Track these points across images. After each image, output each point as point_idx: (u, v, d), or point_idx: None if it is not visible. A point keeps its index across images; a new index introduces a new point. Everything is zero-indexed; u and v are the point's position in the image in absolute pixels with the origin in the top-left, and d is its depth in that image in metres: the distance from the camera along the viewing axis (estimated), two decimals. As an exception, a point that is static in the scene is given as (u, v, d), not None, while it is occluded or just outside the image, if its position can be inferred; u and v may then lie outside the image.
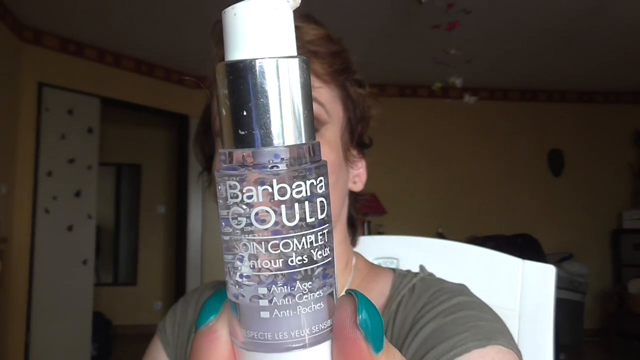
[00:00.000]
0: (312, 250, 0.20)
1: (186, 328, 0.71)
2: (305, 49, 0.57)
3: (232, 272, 0.20)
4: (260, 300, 0.20)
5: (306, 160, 0.20)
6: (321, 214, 0.20)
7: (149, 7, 3.50)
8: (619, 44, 4.16)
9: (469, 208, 5.20)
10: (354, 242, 0.71)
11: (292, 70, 0.20)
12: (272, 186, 0.19)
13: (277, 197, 0.19)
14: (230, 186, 0.20)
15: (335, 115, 0.60)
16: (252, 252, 0.20)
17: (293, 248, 0.19)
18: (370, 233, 4.21)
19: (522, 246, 4.47)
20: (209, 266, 4.92)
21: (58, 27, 3.82)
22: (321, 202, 0.20)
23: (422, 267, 0.66)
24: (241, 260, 0.20)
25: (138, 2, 3.43)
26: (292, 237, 0.19)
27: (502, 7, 3.49)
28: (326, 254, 0.20)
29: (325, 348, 0.20)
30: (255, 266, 0.20)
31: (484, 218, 5.17)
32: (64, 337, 3.89)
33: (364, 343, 0.19)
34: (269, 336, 0.20)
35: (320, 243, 0.20)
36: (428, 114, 5.24)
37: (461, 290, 0.58)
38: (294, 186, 0.19)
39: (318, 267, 0.20)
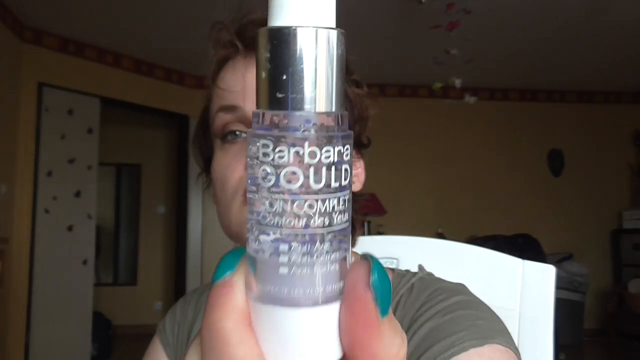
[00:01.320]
0: (333, 214, 0.21)
1: (186, 328, 0.71)
2: None
3: (254, 229, 0.21)
4: (280, 257, 0.20)
5: (335, 128, 0.21)
6: (344, 180, 0.21)
7: (149, 7, 3.50)
8: (619, 44, 4.16)
9: (469, 208, 5.20)
10: (353, 243, 0.71)
11: (330, 41, 0.21)
12: (303, 148, 0.20)
13: (307, 159, 0.20)
14: (262, 145, 0.21)
15: None
16: (278, 210, 0.20)
17: (316, 210, 0.20)
18: (370, 233, 4.21)
19: (522, 246, 4.47)
20: (209, 266, 4.92)
21: (58, 27, 3.83)
22: (345, 169, 0.21)
23: (420, 267, 0.66)
24: (265, 217, 0.21)
25: (138, 2, 3.43)
26: (317, 199, 0.20)
27: (502, 7, 3.49)
28: (345, 219, 0.21)
29: (335, 307, 0.21)
30: (279, 224, 0.20)
31: (484, 218, 5.17)
32: (64, 337, 3.89)
33: (373, 303, 0.20)
34: (285, 291, 0.20)
35: (341, 208, 0.21)
36: (428, 114, 5.24)
37: (459, 289, 0.58)
38: (323, 151, 0.20)
39: (337, 230, 0.21)
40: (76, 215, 4.05)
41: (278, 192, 0.20)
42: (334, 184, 0.21)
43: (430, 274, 0.65)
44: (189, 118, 4.84)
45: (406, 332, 0.54)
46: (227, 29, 0.62)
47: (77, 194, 4.07)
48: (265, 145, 0.21)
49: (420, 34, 3.72)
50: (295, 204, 0.20)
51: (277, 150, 0.20)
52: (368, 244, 0.89)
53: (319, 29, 0.21)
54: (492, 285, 0.79)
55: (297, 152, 0.20)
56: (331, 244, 0.21)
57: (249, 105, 0.58)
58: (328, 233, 0.21)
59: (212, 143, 0.64)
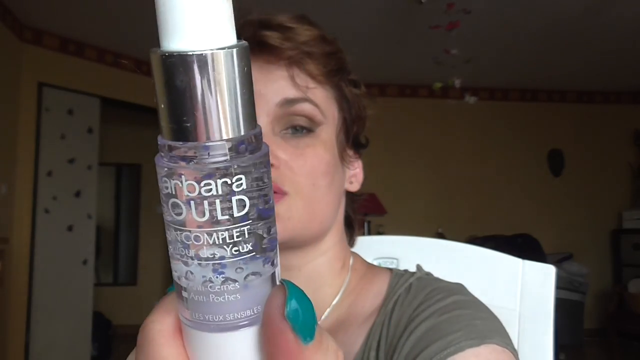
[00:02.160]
0: (233, 245, 0.20)
1: None
2: (299, 50, 0.57)
3: (173, 257, 0.22)
4: (203, 285, 0.21)
5: (245, 152, 0.20)
6: (262, 204, 0.21)
7: (149, 7, 3.49)
8: (619, 44, 4.16)
9: (469, 208, 5.20)
10: (351, 243, 0.71)
11: (234, 61, 0.20)
12: (214, 180, 0.20)
13: (218, 190, 0.20)
14: (170, 178, 0.20)
15: (330, 116, 0.60)
16: (191, 243, 0.20)
17: (233, 239, 0.20)
18: (370, 233, 4.21)
19: (522, 246, 4.47)
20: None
21: (58, 27, 3.83)
22: (262, 194, 0.21)
23: (419, 267, 0.66)
24: (175, 248, 0.21)
25: (138, 2, 3.43)
26: (216, 230, 0.20)
27: (502, 7, 3.49)
28: (248, 249, 0.21)
29: (256, 330, 0.21)
30: (187, 254, 0.21)
31: (484, 218, 5.17)
32: (64, 337, 3.89)
33: (292, 334, 0.19)
34: (204, 317, 0.21)
35: (240, 239, 0.21)
36: (428, 114, 5.24)
37: (457, 289, 0.58)
38: (233, 180, 0.20)
39: (242, 259, 0.21)
40: (76, 215, 4.05)
41: (190, 226, 0.20)
42: (239, 214, 0.20)
43: (428, 274, 0.65)
44: (189, 118, 4.84)
45: (403, 332, 0.54)
46: None
47: (77, 194, 4.07)
48: (173, 178, 0.20)
49: (420, 34, 3.72)
50: (212, 236, 0.20)
51: (186, 183, 0.20)
52: (368, 244, 0.89)
53: (220, 52, 0.19)
54: (492, 285, 0.79)
55: (208, 184, 0.20)
56: (249, 271, 0.21)
57: None
58: (243, 260, 0.21)
59: None
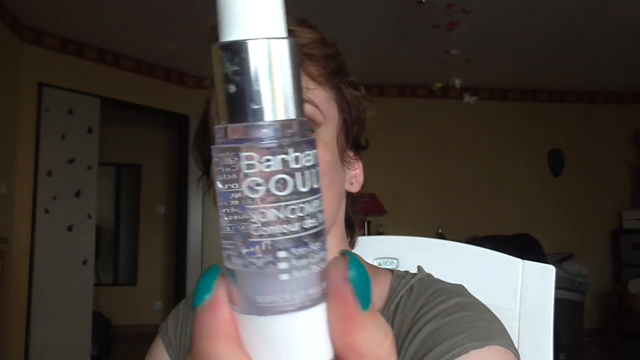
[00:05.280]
0: (318, 214, 0.22)
1: (188, 329, 0.71)
2: (300, 52, 0.57)
3: (239, 242, 0.21)
4: (278, 264, 0.21)
5: (297, 133, 0.22)
6: (318, 182, 0.22)
7: (149, 7, 3.50)
8: (619, 44, 4.16)
9: (469, 208, 5.20)
10: (352, 244, 0.71)
11: (282, 51, 0.21)
12: (288, 155, 0.21)
13: (293, 164, 0.21)
14: (245, 157, 0.21)
15: (331, 117, 0.61)
16: (271, 219, 0.21)
17: (306, 212, 0.21)
18: (370, 233, 4.21)
19: (522, 246, 4.47)
20: (209, 266, 4.92)
21: (58, 27, 3.83)
22: (318, 171, 0.22)
23: (420, 268, 0.66)
24: (256, 229, 0.21)
25: (138, 2, 3.43)
26: (305, 201, 0.21)
27: (502, 7, 3.49)
28: (324, 219, 0.22)
29: (324, 307, 0.22)
30: (273, 233, 0.21)
31: (484, 218, 5.18)
32: (64, 337, 3.89)
33: (352, 297, 0.20)
34: (283, 298, 0.21)
35: (321, 207, 0.22)
36: (428, 114, 5.24)
37: (459, 290, 0.58)
38: (303, 154, 0.21)
39: (322, 229, 0.22)
40: (76, 215, 4.05)
41: (269, 202, 0.21)
42: (315, 185, 0.22)
43: (429, 275, 0.65)
44: (189, 118, 4.84)
45: (406, 335, 0.54)
46: None
47: (77, 194, 4.07)
48: (249, 157, 0.21)
49: (420, 34, 3.72)
50: (289, 209, 0.21)
51: (262, 159, 0.21)
52: (368, 244, 0.89)
53: (270, 40, 0.21)
54: (492, 285, 0.79)
55: (284, 159, 0.21)
56: (321, 244, 0.22)
57: None
58: (316, 232, 0.21)
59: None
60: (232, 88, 0.21)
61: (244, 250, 0.21)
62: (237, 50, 0.21)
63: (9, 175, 3.60)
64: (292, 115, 0.21)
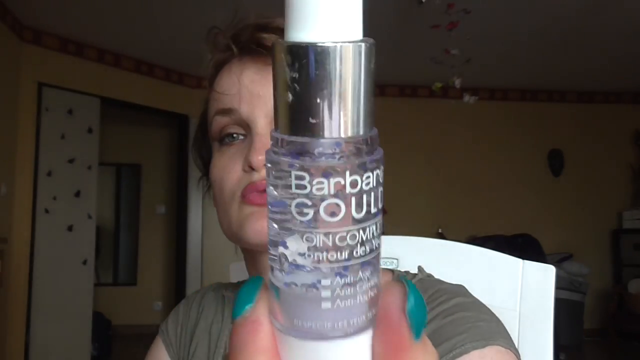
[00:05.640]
0: (373, 240, 0.20)
1: (189, 329, 0.71)
2: None
3: (284, 261, 0.20)
4: (321, 291, 0.19)
5: (366, 151, 0.19)
6: (380, 203, 0.20)
7: (149, 7, 3.50)
8: (619, 44, 4.16)
9: (469, 208, 5.20)
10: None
11: (362, 56, 0.19)
12: (343, 178, 0.19)
13: (348, 189, 0.19)
14: (296, 176, 0.19)
15: None
16: (318, 245, 0.19)
17: (358, 240, 0.19)
18: (370, 233, 4.21)
19: (522, 246, 4.47)
20: (209, 266, 4.92)
21: (58, 27, 3.83)
22: (381, 192, 0.20)
23: (420, 268, 0.66)
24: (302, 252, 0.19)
25: (138, 2, 3.43)
26: (359, 228, 0.19)
27: (502, 7, 3.49)
28: (380, 242, 0.20)
29: (369, 335, 0.20)
30: (319, 258, 0.19)
31: (484, 218, 5.17)
32: (64, 337, 3.89)
33: (407, 330, 0.19)
34: (324, 325, 0.19)
35: (379, 232, 0.20)
36: (428, 114, 5.24)
37: (459, 291, 0.59)
38: (363, 177, 0.19)
39: (375, 255, 0.20)
40: (76, 215, 4.05)
41: (316, 227, 0.19)
42: (373, 210, 0.19)
43: (429, 276, 0.65)
44: (189, 118, 4.84)
45: None
46: (223, 33, 0.63)
47: (77, 194, 4.07)
48: (300, 177, 0.19)
49: (420, 34, 3.72)
50: (338, 236, 0.19)
51: (314, 182, 0.19)
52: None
53: (350, 44, 0.18)
54: (492, 285, 0.79)
55: (338, 182, 0.18)
56: (371, 271, 0.20)
57: (245, 107, 0.58)
58: (368, 260, 0.20)
59: (211, 146, 0.65)
60: (290, 97, 0.19)
61: (285, 270, 0.20)
62: (300, 54, 0.18)
63: (9, 175, 3.60)
64: (357, 131, 0.19)
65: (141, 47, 4.27)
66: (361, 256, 0.19)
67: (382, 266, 0.84)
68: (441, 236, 4.67)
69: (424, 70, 4.41)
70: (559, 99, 5.50)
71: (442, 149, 5.25)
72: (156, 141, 6.08)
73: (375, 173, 0.19)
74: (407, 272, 0.65)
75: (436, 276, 0.65)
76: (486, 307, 0.56)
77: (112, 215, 6.33)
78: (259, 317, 0.20)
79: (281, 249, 0.20)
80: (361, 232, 0.19)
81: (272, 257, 0.20)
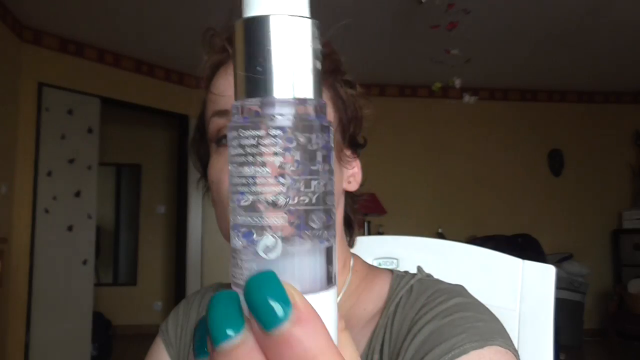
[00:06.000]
0: (321, 194, 0.21)
1: (189, 330, 0.71)
2: None
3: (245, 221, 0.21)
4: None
5: (314, 115, 0.21)
6: (327, 165, 0.22)
7: (149, 7, 3.50)
8: (619, 44, 4.16)
9: (469, 208, 5.20)
10: (351, 243, 0.71)
11: (305, 30, 0.21)
12: (294, 136, 0.20)
13: (293, 144, 0.20)
14: (239, 135, 0.21)
15: None
16: (288, 192, 0.20)
17: (315, 189, 0.21)
18: (370, 233, 4.21)
19: (522, 246, 4.47)
20: (209, 266, 4.92)
21: (58, 27, 3.82)
22: (331, 154, 0.22)
23: (419, 268, 0.66)
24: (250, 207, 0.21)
25: (138, 2, 3.43)
26: (315, 179, 0.21)
27: (502, 7, 3.49)
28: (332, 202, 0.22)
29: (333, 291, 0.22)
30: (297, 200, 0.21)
31: (484, 218, 5.17)
32: (64, 337, 3.89)
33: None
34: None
35: (329, 189, 0.22)
36: (428, 114, 5.24)
37: (458, 291, 0.58)
38: (303, 136, 0.21)
39: (325, 208, 0.21)
40: (76, 215, 4.04)
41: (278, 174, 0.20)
42: (318, 167, 0.21)
43: (429, 276, 0.65)
44: (189, 118, 4.84)
45: (406, 335, 0.54)
46: (219, 35, 0.63)
47: (77, 194, 4.07)
48: (254, 136, 0.21)
49: (420, 34, 3.72)
50: (300, 183, 0.21)
51: (266, 141, 0.20)
52: (368, 244, 0.89)
53: (295, 17, 0.21)
54: (492, 285, 0.79)
55: (289, 139, 0.20)
56: (322, 224, 0.21)
57: None
58: (312, 210, 0.21)
59: (209, 148, 0.65)
60: (251, 62, 0.21)
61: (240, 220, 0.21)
62: (256, 25, 0.21)
63: (9, 175, 3.60)
64: (312, 95, 0.21)
65: (141, 47, 4.27)
66: (307, 204, 0.21)
67: (383, 266, 0.84)
68: (441, 236, 4.67)
69: (424, 70, 4.41)
70: (559, 99, 5.50)
71: (442, 149, 5.25)
72: (156, 141, 6.08)
73: (320, 134, 0.21)
74: (406, 272, 0.65)
75: (436, 276, 0.65)
76: (485, 307, 0.56)
77: (112, 215, 6.33)
78: (252, 351, 0.18)
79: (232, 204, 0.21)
80: (319, 181, 0.21)
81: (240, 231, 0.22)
